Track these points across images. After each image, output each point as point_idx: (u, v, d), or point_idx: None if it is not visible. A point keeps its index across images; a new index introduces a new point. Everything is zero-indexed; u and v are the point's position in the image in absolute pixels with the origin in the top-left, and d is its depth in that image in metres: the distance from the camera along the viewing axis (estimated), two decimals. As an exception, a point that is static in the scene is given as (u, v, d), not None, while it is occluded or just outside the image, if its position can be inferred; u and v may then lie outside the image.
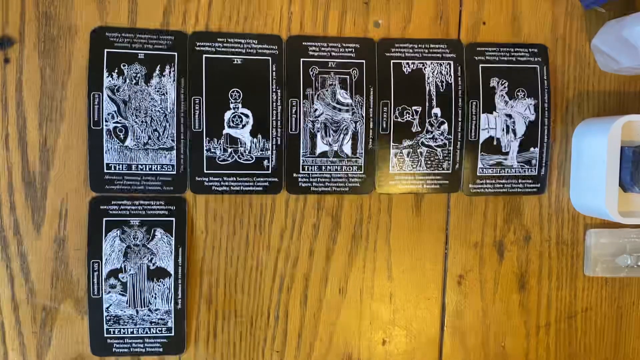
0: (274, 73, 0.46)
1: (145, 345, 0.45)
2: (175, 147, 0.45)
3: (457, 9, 0.48)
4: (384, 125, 0.47)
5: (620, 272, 0.50)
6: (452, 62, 0.48)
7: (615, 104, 0.50)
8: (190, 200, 0.46)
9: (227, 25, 0.46)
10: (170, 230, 0.45)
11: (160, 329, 0.45)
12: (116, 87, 0.44)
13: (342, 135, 0.47)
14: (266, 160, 0.46)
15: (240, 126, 0.46)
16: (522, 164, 0.49)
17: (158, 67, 0.45)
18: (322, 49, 0.46)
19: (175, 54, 0.45)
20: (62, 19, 0.44)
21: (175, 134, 0.45)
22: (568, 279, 0.51)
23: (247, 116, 0.46)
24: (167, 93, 0.45)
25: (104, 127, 0.44)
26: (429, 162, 0.48)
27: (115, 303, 0.45)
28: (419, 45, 0.47)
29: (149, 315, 0.45)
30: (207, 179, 0.46)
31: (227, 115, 0.46)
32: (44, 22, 0.44)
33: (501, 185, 0.49)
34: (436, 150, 0.48)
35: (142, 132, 0.45)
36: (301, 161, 0.47)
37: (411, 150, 0.48)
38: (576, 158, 0.49)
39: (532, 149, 0.49)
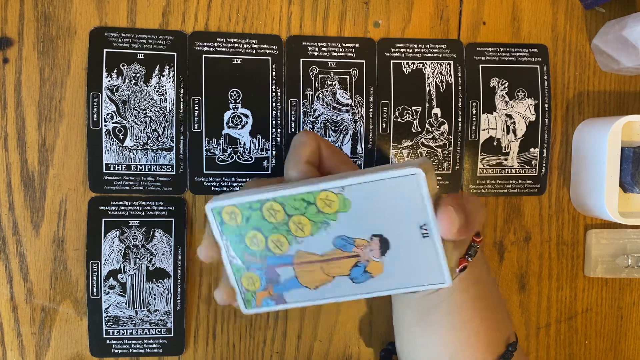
0: (273, 73, 0.46)
1: (145, 346, 0.45)
2: (174, 148, 0.45)
3: (457, 9, 0.48)
4: (384, 126, 0.47)
5: (620, 272, 0.50)
6: (452, 62, 0.48)
7: (616, 104, 0.50)
8: (189, 201, 0.46)
9: (226, 25, 0.46)
10: (170, 231, 0.45)
11: (159, 329, 0.45)
12: (115, 87, 0.44)
13: (341, 136, 0.47)
14: (266, 161, 0.46)
15: (240, 126, 0.46)
16: (522, 164, 0.49)
17: (157, 67, 0.44)
18: (322, 49, 0.46)
19: (175, 53, 0.45)
20: (61, 19, 0.44)
21: (174, 134, 0.45)
22: (568, 279, 0.51)
23: (246, 116, 0.46)
24: (167, 93, 0.45)
25: (103, 127, 0.44)
26: (429, 163, 0.48)
27: (115, 304, 0.45)
28: (419, 45, 0.47)
29: (148, 316, 0.45)
30: (206, 180, 0.46)
31: (227, 115, 0.45)
32: (43, 22, 0.44)
33: (501, 186, 0.49)
34: (436, 150, 0.48)
35: (141, 132, 0.44)
36: (301, 161, 0.46)
37: (411, 150, 0.48)
38: (576, 158, 0.49)
39: (532, 149, 0.49)
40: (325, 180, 0.29)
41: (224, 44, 0.45)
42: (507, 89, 0.48)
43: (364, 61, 0.47)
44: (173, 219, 0.45)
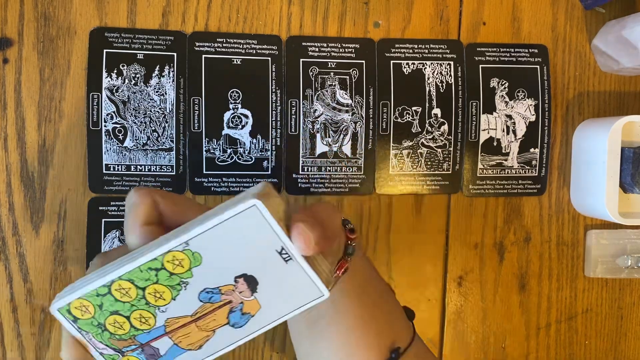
0: (273, 73, 0.46)
1: (145, 346, 0.45)
2: (174, 148, 0.45)
3: (457, 9, 0.48)
4: (384, 126, 0.47)
5: (620, 273, 0.50)
6: (452, 63, 0.48)
7: (616, 105, 0.50)
8: (189, 201, 0.46)
9: (226, 26, 0.46)
10: (170, 231, 0.45)
11: (159, 330, 0.45)
12: (115, 88, 0.44)
13: (341, 136, 0.47)
14: (265, 161, 0.46)
15: (240, 126, 0.46)
16: (522, 164, 0.49)
17: (157, 68, 0.44)
18: (322, 49, 0.46)
19: (175, 54, 0.45)
20: (61, 19, 0.44)
21: (174, 135, 0.45)
22: (568, 280, 0.51)
23: (246, 117, 0.46)
24: (167, 93, 0.45)
25: (103, 127, 0.44)
26: (429, 163, 0.48)
27: (114, 304, 0.45)
28: (419, 46, 0.47)
29: (148, 317, 0.45)
30: (206, 180, 0.45)
31: (227, 115, 0.45)
32: (43, 22, 0.44)
33: (501, 186, 0.49)
34: (436, 150, 0.48)
35: (141, 132, 0.44)
36: (301, 162, 0.46)
37: (411, 150, 0.48)
38: (576, 159, 0.49)
39: (532, 149, 0.49)
40: (165, 240, 0.27)
41: (224, 44, 0.45)
42: (507, 89, 0.48)
43: (364, 61, 0.47)
44: (173, 220, 0.45)
